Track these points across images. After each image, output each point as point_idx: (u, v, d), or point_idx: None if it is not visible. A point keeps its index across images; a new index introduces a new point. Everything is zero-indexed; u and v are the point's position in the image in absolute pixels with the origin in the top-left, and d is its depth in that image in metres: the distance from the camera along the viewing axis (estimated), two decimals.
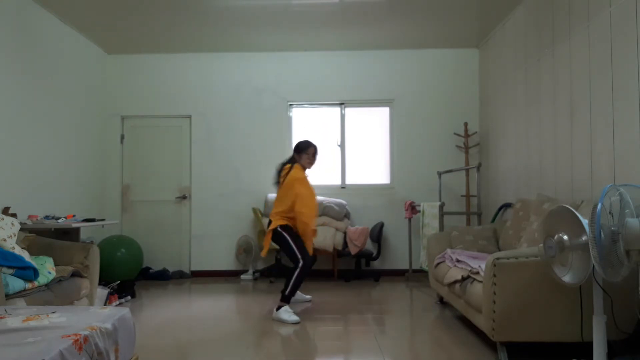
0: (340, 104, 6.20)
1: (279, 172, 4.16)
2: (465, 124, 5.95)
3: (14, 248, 3.31)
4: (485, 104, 5.86)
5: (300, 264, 3.88)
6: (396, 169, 6.10)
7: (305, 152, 4.12)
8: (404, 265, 5.96)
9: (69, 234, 4.30)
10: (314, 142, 4.21)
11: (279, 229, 3.96)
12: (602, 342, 2.30)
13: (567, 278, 2.30)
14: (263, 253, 4.15)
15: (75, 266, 3.66)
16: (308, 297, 4.56)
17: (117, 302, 4.48)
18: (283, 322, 3.77)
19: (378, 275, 5.70)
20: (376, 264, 6.01)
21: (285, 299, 3.90)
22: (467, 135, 5.91)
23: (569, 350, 2.87)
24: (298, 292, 4.33)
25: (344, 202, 5.77)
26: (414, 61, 6.13)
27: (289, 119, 6.17)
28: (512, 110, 4.99)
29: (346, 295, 4.83)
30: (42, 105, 4.72)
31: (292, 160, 4.16)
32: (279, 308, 3.87)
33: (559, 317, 2.65)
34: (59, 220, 4.26)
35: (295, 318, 3.77)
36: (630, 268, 2.11)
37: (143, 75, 6.20)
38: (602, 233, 2.09)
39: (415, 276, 5.76)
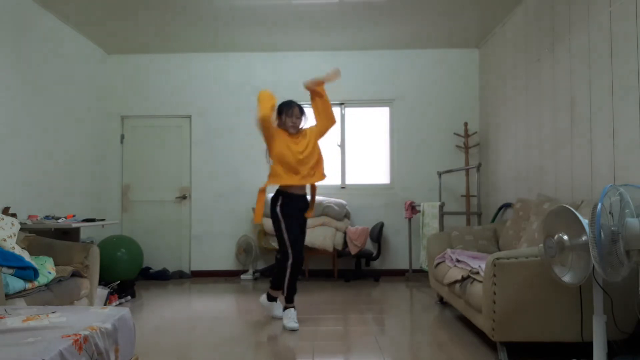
0: (340, 104, 6.20)
1: None
2: (465, 124, 5.95)
3: (14, 248, 3.30)
4: (485, 104, 5.86)
5: (290, 261, 3.61)
6: (396, 169, 6.10)
7: (283, 113, 3.79)
8: (404, 265, 5.95)
9: (69, 234, 4.29)
10: (291, 100, 3.86)
11: (277, 208, 3.65)
12: (602, 342, 2.30)
13: (567, 278, 2.30)
14: (256, 219, 3.71)
15: (75, 266, 3.66)
16: (280, 314, 3.89)
17: (117, 302, 4.48)
18: (284, 326, 3.62)
19: (378, 275, 5.70)
20: (376, 264, 6.01)
21: (288, 300, 3.72)
22: (467, 135, 5.91)
23: (569, 350, 2.87)
24: (276, 305, 3.93)
25: (344, 202, 5.77)
26: (414, 61, 6.13)
27: None
28: (512, 110, 4.99)
29: (346, 295, 4.83)
30: (42, 105, 4.72)
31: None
32: (285, 309, 3.72)
33: (559, 317, 2.65)
34: (59, 220, 4.26)
35: (293, 325, 3.57)
36: (630, 268, 2.11)
37: (143, 75, 6.20)
38: (602, 233, 2.09)
39: (415, 276, 5.76)
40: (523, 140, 4.70)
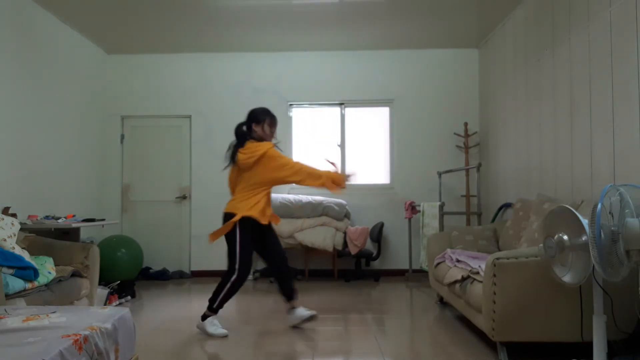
0: (340, 104, 6.20)
1: (236, 149, 3.59)
2: (465, 124, 5.95)
3: (14, 248, 3.31)
4: (485, 104, 5.86)
5: (234, 277, 3.44)
6: (396, 169, 6.10)
7: (265, 122, 3.63)
8: (404, 265, 5.95)
9: (69, 234, 4.30)
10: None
11: (240, 221, 3.45)
12: (602, 342, 2.30)
13: (567, 278, 2.30)
14: (211, 239, 3.59)
15: (75, 266, 3.66)
16: (312, 312, 3.61)
17: (117, 302, 4.48)
18: (208, 334, 3.39)
19: (378, 275, 5.70)
20: (376, 264, 6.01)
21: (213, 310, 3.44)
22: (467, 135, 5.91)
23: (569, 350, 2.87)
24: (301, 309, 3.61)
25: (344, 202, 5.76)
26: (414, 61, 6.13)
27: (289, 119, 6.16)
28: (512, 110, 4.99)
29: (346, 295, 4.83)
30: (42, 105, 4.72)
31: (244, 136, 3.62)
32: (204, 318, 3.45)
33: (559, 317, 2.65)
34: (59, 220, 4.26)
35: (221, 331, 3.39)
36: (630, 268, 2.11)
37: (143, 75, 6.20)
38: (602, 233, 2.09)
39: (415, 276, 5.76)
40: (523, 140, 4.70)
